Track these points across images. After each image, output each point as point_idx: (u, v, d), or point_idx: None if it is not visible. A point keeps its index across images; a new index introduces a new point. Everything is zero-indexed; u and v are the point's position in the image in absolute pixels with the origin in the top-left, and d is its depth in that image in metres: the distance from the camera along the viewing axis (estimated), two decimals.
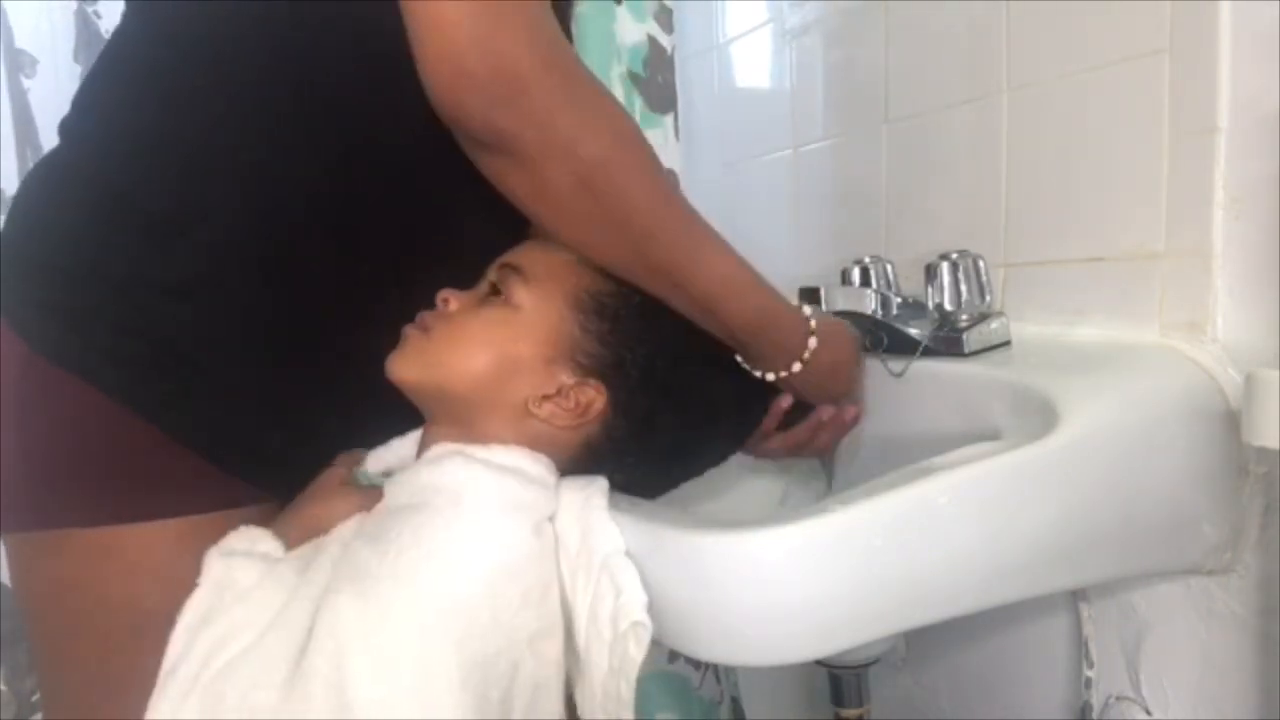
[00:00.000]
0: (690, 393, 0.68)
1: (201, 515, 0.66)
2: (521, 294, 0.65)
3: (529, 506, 0.60)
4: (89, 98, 0.70)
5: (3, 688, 1.05)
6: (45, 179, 0.70)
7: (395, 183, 0.67)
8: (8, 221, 0.69)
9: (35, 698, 1.05)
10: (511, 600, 0.57)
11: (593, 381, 0.64)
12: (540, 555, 0.59)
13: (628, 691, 0.56)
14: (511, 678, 0.57)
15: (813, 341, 0.70)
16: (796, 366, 0.70)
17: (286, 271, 0.66)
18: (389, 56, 0.57)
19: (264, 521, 0.67)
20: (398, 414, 0.69)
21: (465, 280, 0.69)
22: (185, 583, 0.64)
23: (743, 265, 0.67)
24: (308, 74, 0.64)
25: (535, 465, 0.63)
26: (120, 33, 0.71)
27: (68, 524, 0.65)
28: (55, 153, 0.71)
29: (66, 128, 0.71)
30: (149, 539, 0.65)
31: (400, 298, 0.68)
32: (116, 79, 0.69)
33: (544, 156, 0.58)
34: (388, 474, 0.68)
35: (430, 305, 0.67)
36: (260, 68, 0.64)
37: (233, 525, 0.66)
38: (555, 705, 0.60)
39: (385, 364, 0.66)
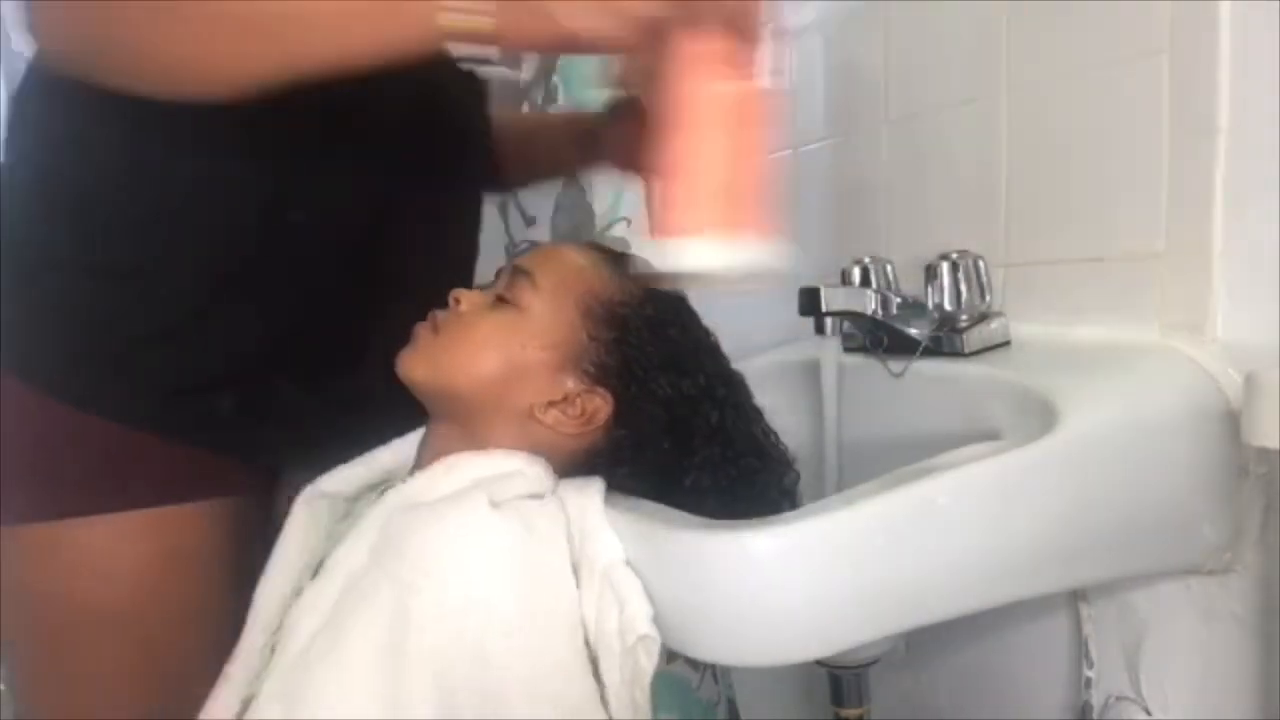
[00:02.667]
0: (693, 411, 0.66)
1: (143, 510, 0.67)
2: (532, 299, 0.65)
3: (551, 530, 0.59)
4: (11, 113, 0.71)
5: (1, 687, 1.05)
6: None
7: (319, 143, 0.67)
8: None
9: None
10: (578, 635, 0.57)
11: (600, 390, 0.64)
12: (557, 573, 0.58)
13: (642, 700, 0.57)
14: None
15: None
16: (449, 18, 0.53)
17: (206, 233, 0.67)
18: None
19: (210, 521, 0.67)
20: (355, 380, 0.70)
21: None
22: (127, 579, 0.64)
23: None
24: None
25: (534, 469, 0.63)
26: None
27: (8, 521, 0.66)
28: None
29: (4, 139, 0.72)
30: (89, 535, 0.66)
31: (335, 257, 0.69)
32: (30, 94, 0.70)
33: None
34: (384, 484, 0.68)
35: (393, 271, 0.68)
36: None
37: (176, 521, 0.67)
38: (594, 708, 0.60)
39: (395, 361, 0.66)
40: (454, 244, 0.83)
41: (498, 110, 0.88)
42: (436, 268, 0.77)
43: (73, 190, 0.66)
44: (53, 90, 0.67)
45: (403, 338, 0.67)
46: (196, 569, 0.70)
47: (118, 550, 0.66)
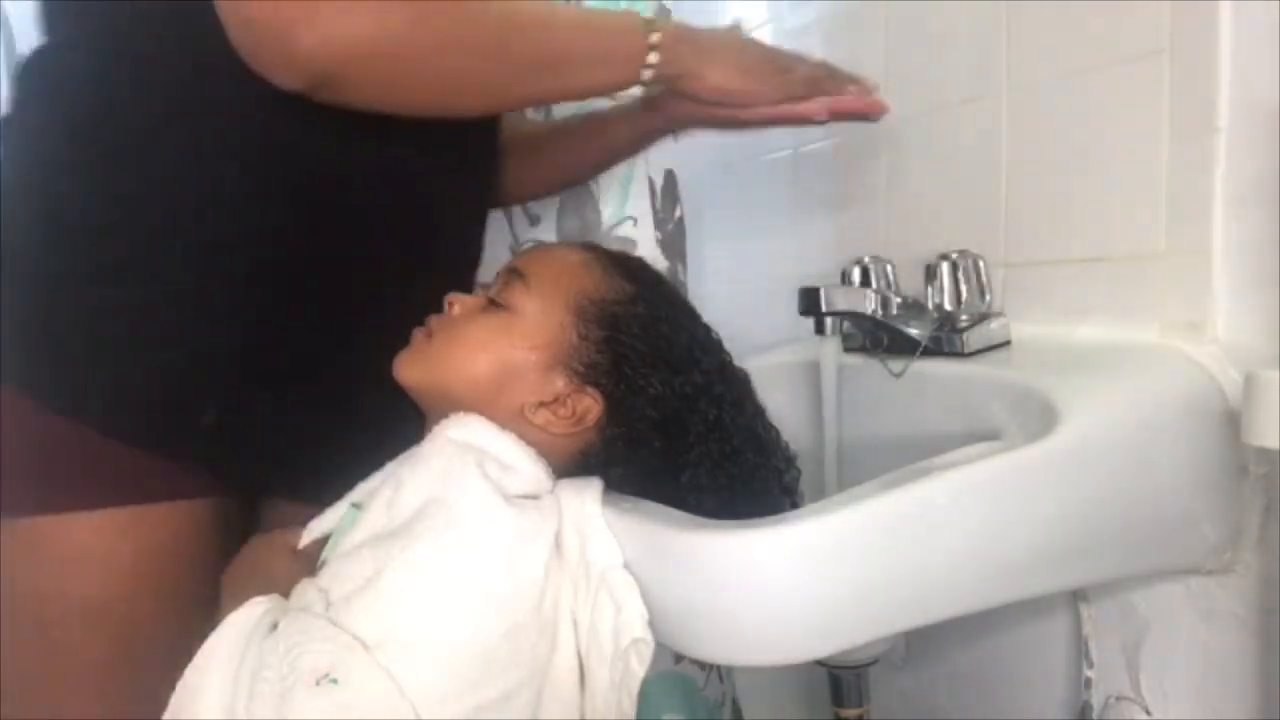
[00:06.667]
0: (688, 408, 0.66)
1: (135, 506, 0.66)
2: (523, 299, 0.65)
3: (540, 529, 0.59)
4: (10, 109, 0.71)
5: None
6: None
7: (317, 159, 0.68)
8: None
9: None
10: (530, 633, 0.57)
11: (590, 390, 0.64)
12: (553, 577, 0.59)
13: (629, 704, 0.56)
14: (536, 705, 0.58)
15: (655, 37, 0.68)
16: (647, 73, 0.69)
17: (203, 249, 0.66)
18: None
19: (192, 518, 0.67)
20: (335, 394, 0.69)
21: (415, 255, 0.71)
22: (118, 575, 0.64)
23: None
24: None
25: (533, 468, 0.63)
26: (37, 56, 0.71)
27: None
28: None
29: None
30: (77, 530, 0.65)
31: (335, 273, 0.69)
32: (36, 97, 0.70)
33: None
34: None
35: (399, 288, 0.68)
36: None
37: (157, 519, 0.66)
38: (573, 710, 0.60)
39: (391, 365, 0.66)
40: (457, 264, 0.83)
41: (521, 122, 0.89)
42: (436, 287, 0.77)
43: (56, 197, 0.66)
44: (53, 97, 0.68)
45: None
46: (178, 566, 0.69)
47: (98, 547, 0.66)
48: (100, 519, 0.66)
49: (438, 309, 0.69)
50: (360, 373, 0.70)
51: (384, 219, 0.72)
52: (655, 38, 0.68)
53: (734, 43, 0.76)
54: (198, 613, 0.70)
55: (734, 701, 1.29)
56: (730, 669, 1.27)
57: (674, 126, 0.85)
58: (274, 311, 0.69)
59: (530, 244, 1.17)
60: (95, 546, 0.66)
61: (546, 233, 1.19)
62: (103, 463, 0.66)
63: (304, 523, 0.70)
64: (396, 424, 0.76)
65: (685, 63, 0.71)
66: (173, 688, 0.64)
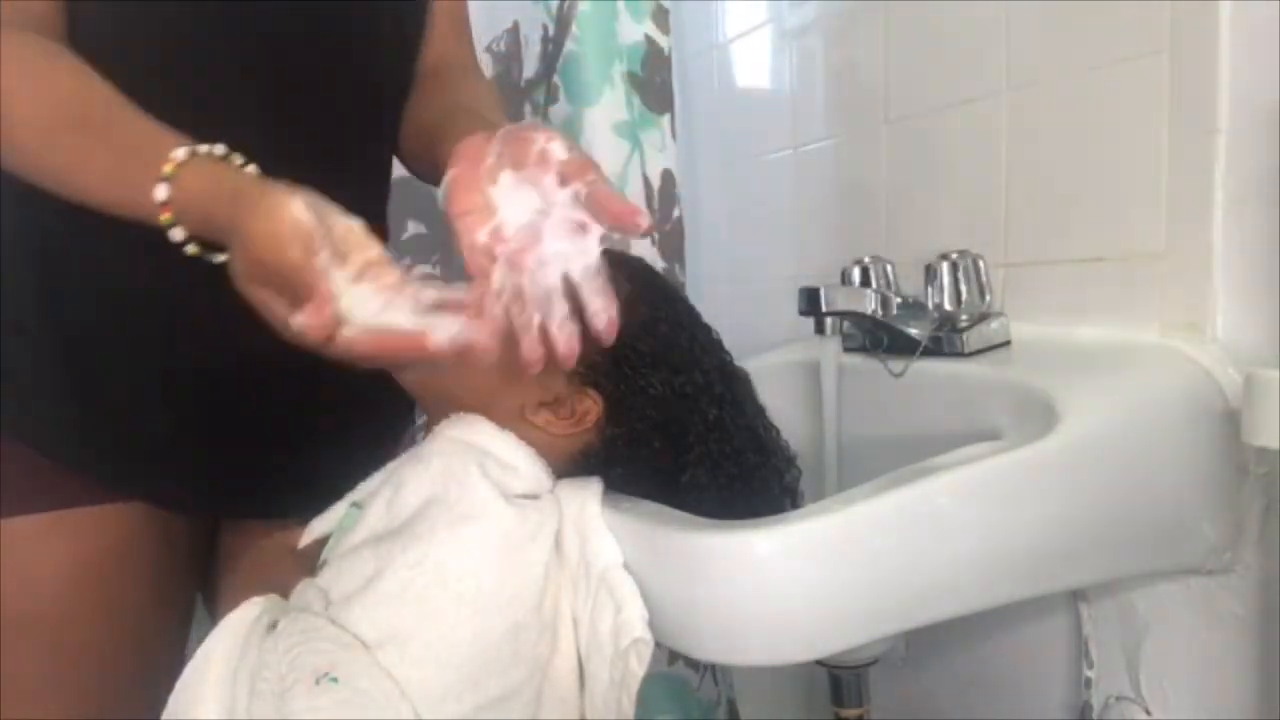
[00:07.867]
0: (688, 408, 0.66)
1: (50, 513, 0.64)
2: None
3: (541, 529, 0.59)
4: None
5: None
6: None
7: None
8: None
9: None
10: (531, 633, 0.57)
11: (590, 391, 0.64)
12: (553, 577, 0.59)
13: (628, 704, 0.56)
14: (536, 705, 0.58)
15: (166, 168, 0.56)
16: (176, 233, 0.57)
17: (65, 249, 0.65)
18: None
19: (137, 521, 0.66)
20: (233, 403, 0.68)
21: None
22: (41, 585, 0.62)
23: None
24: None
25: (532, 468, 0.63)
26: None
27: None
28: None
29: None
30: (7, 538, 0.63)
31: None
32: None
33: None
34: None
35: None
36: None
37: (99, 522, 0.65)
38: (573, 710, 0.60)
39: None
40: None
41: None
42: None
43: None
44: None
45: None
46: (116, 573, 0.67)
47: (32, 554, 0.64)
48: (21, 526, 0.63)
49: None
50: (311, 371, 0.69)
51: None
52: (167, 169, 0.56)
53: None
54: (138, 622, 0.69)
55: (730, 703, 1.28)
56: (727, 670, 1.27)
57: None
58: (205, 317, 0.66)
59: None
60: (28, 554, 0.64)
61: None
62: (36, 466, 0.64)
63: (258, 541, 0.70)
64: (357, 426, 0.75)
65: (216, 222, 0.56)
66: (118, 701, 0.63)
